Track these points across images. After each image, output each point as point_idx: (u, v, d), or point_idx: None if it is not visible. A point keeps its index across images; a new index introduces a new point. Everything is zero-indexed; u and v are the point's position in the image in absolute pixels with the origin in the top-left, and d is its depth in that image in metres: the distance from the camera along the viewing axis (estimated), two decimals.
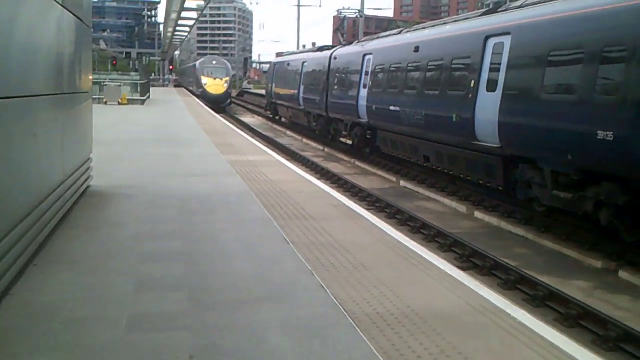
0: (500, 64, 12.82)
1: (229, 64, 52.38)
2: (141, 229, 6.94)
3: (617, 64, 9.76)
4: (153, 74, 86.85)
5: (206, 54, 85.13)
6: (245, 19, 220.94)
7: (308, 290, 4.95)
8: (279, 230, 6.94)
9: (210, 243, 6.41)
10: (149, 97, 43.27)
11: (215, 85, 46.50)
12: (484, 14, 15.55)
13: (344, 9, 32.13)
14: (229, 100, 48.01)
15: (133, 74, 46.04)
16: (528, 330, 4.23)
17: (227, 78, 47.99)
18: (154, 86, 64.72)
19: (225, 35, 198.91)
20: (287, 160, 13.38)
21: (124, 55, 55.63)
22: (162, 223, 7.25)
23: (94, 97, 14.93)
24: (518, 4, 13.99)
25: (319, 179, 13.87)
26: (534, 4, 12.90)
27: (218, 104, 43.38)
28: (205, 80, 46.73)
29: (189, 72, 64.51)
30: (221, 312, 4.48)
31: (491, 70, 13.12)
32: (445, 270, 5.62)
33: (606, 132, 9.56)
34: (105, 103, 34.12)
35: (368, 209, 10.83)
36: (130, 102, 36.18)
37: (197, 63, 52.06)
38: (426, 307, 4.60)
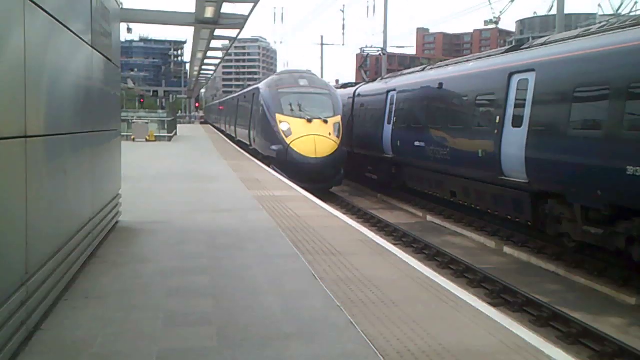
0: (525, 100, 12.79)
1: (332, 86, 26.00)
2: (168, 264, 6.95)
3: None
4: (179, 112, 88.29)
5: (231, 92, 70.83)
6: (269, 57, 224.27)
7: (337, 327, 4.89)
8: (306, 265, 6.91)
9: (237, 278, 6.39)
10: (175, 133, 43.81)
11: (313, 138, 20.67)
12: (507, 51, 15.60)
13: (367, 46, 32.41)
14: (341, 171, 21.83)
15: (160, 111, 46.77)
16: None
17: (337, 119, 21.78)
18: (180, 123, 65.74)
19: (249, 73, 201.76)
20: (313, 195, 13.37)
21: (151, 94, 56.69)
22: (189, 258, 7.26)
23: (122, 134, 15.22)
24: (541, 41, 14.02)
25: (345, 213, 13.84)
26: (557, 41, 12.92)
27: (320, 179, 20.34)
28: (287, 125, 21.31)
29: (237, 108, 35.53)
30: (250, 349, 4.44)
31: (516, 106, 13.09)
32: (476, 306, 5.52)
33: (635, 167, 9.45)
34: (133, 140, 34.65)
35: (395, 244, 10.76)
36: (158, 138, 36.72)
37: (262, 86, 24.83)
38: (458, 345, 4.51)
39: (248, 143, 28.35)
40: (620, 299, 10.21)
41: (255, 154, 25.67)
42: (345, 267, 6.88)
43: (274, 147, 21.23)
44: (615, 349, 7.80)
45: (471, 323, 5.06)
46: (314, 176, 19.74)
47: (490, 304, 5.75)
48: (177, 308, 5.35)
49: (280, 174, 18.66)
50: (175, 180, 15.66)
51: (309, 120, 20.98)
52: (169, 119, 41.63)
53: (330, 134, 20.71)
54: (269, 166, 20.97)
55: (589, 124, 10.89)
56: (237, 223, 9.58)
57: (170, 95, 50.32)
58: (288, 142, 20.56)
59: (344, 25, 72.17)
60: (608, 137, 10.25)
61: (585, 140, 10.87)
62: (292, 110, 21.56)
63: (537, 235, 13.53)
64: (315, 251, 7.64)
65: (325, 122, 21.03)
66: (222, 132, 48.67)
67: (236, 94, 41.82)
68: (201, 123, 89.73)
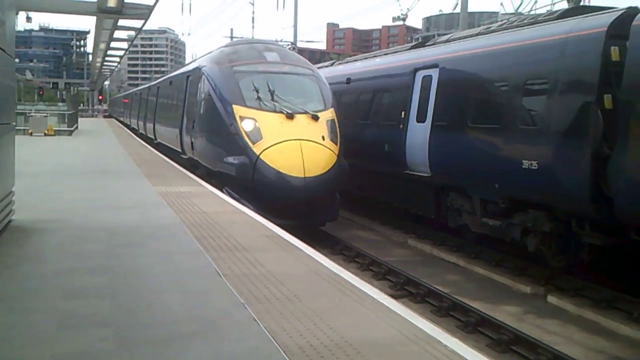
0: (429, 96, 13.16)
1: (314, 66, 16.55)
2: (65, 264, 6.65)
3: (539, 95, 10.17)
4: (81, 105, 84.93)
5: (137, 84, 65.52)
6: (178, 49, 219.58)
7: (240, 324, 4.84)
8: (210, 262, 6.80)
9: (138, 277, 6.20)
10: (77, 127, 42.12)
11: (299, 145, 12.88)
12: (412, 47, 16.00)
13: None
14: (337, 198, 14.06)
15: (60, 104, 44.86)
16: (460, 358, 4.25)
17: (331, 113, 14.13)
18: (82, 117, 63.25)
19: (157, 65, 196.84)
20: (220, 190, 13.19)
21: (51, 86, 54.09)
22: (87, 258, 6.97)
23: (18, 128, 14.44)
24: (444, 38, 14.47)
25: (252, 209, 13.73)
26: (459, 38, 13.37)
27: (308, 212, 12.95)
28: (252, 123, 13.35)
29: (156, 99, 27.56)
30: (149, 350, 4.31)
31: (420, 101, 13.44)
32: (378, 299, 5.61)
33: (530, 161, 9.91)
34: (31, 134, 33.04)
35: (302, 239, 10.79)
36: (58, 133, 35.17)
37: (207, 63, 16.41)
38: (359, 338, 4.57)
39: (179, 150, 19.41)
40: (517, 288, 10.71)
41: (192, 166, 17.36)
42: (251, 263, 6.83)
43: (230, 160, 13.35)
44: (511, 337, 8.17)
45: (373, 315, 5.14)
46: (299, 208, 12.50)
47: (393, 296, 5.87)
48: (73, 310, 5.13)
49: (240, 202, 11.92)
50: (75, 177, 15.03)
51: (289, 116, 13.21)
52: (70, 112, 39.98)
53: (324, 137, 13.15)
54: (221, 189, 13.41)
55: (488, 119, 11.32)
56: (140, 220, 9.31)
57: (72, 88, 48.18)
58: (256, 152, 12.76)
59: (253, 19, 71.92)
60: (505, 132, 10.70)
61: (484, 135, 11.30)
62: (258, 99, 13.63)
63: (439, 227, 13.96)
64: (221, 248, 7.54)
65: (315, 118, 13.39)
66: (134, 129, 40.10)
67: (155, 81, 33.57)
68: (105, 117, 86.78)
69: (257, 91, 13.82)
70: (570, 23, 9.94)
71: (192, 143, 16.72)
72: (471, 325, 8.80)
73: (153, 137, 27.96)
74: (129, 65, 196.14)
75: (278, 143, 12.85)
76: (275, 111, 13.47)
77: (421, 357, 4.26)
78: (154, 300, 5.45)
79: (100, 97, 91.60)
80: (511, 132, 10.53)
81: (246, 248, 7.56)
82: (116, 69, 69.59)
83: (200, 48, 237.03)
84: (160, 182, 13.88)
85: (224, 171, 13.81)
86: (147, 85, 37.56)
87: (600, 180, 8.87)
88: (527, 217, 10.49)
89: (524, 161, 10.02)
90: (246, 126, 13.26)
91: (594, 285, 10.04)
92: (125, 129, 46.93)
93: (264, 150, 12.80)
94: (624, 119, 8.57)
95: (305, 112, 13.53)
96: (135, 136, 35.87)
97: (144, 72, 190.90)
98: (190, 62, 22.80)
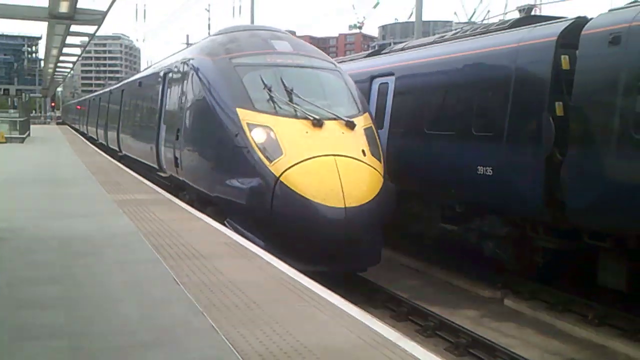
0: (386, 103, 13.29)
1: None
2: (18, 274, 6.48)
3: (492, 103, 10.37)
4: (34, 111, 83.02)
5: (91, 91, 63.66)
6: (133, 55, 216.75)
7: (198, 332, 4.78)
8: (168, 270, 6.70)
9: (92, 287, 6.08)
10: (29, 134, 41.15)
11: (333, 162, 9.45)
12: (369, 55, 16.14)
13: None
14: (380, 234, 10.34)
15: (11, 111, 43.75)
16: None
17: (367, 119, 10.84)
18: (34, 124, 61.84)
19: (111, 71, 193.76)
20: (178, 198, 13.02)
21: (2, 92, 52.74)
22: (40, 268, 6.80)
23: None
24: (400, 46, 14.66)
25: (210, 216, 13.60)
26: (414, 46, 13.58)
27: (347, 255, 9.46)
28: (265, 133, 9.89)
29: (121, 104, 23.81)
30: None
31: (378, 108, 13.56)
32: (337, 305, 5.62)
33: (485, 167, 10.09)
34: None
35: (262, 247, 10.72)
36: (9, 140, 34.31)
37: (198, 54, 12.65)
38: (318, 343, 4.56)
39: (154, 165, 15.92)
40: (474, 292, 10.86)
41: (177, 187, 14.04)
42: (209, 271, 6.76)
43: (237, 184, 10.07)
44: (469, 340, 8.29)
45: (332, 321, 5.14)
46: (335, 249, 9.32)
47: (352, 302, 5.89)
48: (25, 322, 4.99)
49: (251, 240, 8.91)
50: (27, 185, 14.67)
51: (316, 123, 10.06)
52: (22, 119, 39.00)
53: (364, 151, 10.04)
54: (221, 221, 10.09)
55: (443, 126, 11.48)
56: (95, 229, 9.12)
57: (23, 94, 47.03)
58: (275, 173, 9.48)
59: (209, 25, 71.08)
60: (460, 139, 10.87)
61: (440, 142, 11.46)
62: (271, 101, 10.42)
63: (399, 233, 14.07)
64: (178, 255, 7.44)
65: (350, 126, 10.28)
66: (93, 139, 36.35)
67: (119, 83, 29.51)
68: (58, 123, 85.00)
69: (269, 90, 10.35)
70: (521, 32, 10.18)
71: (176, 158, 12.87)
72: (430, 329, 8.89)
73: (117, 149, 24.35)
74: (82, 71, 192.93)
75: (305, 160, 9.40)
76: (296, 116, 10.07)
77: None
78: (110, 309, 5.35)
79: (52, 104, 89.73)
80: (466, 138, 10.71)
81: (204, 256, 7.48)
82: (69, 75, 68.25)
83: (156, 54, 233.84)
84: (116, 190, 13.64)
85: (227, 197, 10.32)
86: (108, 89, 32.95)
87: (553, 185, 9.08)
88: (484, 222, 10.67)
89: (479, 167, 10.19)
90: (258, 137, 9.80)
91: (549, 288, 10.26)
92: (80, 136, 46.03)
93: (286, 170, 9.32)
94: (574, 125, 8.81)
95: (337, 118, 10.23)
96: (89, 143, 35.19)
97: (97, 78, 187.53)
98: (166, 58, 17.89)
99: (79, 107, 54.69)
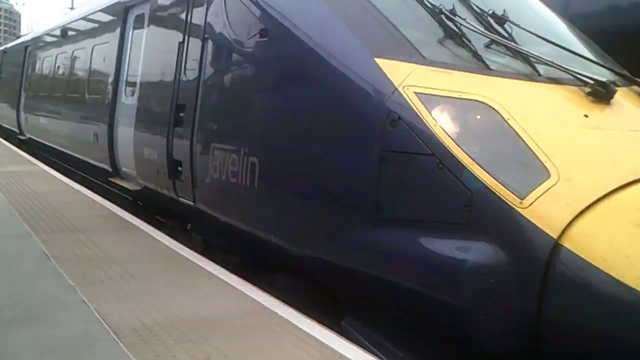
0: None
1: None
2: None
3: None
4: None
5: None
6: (13, 20, 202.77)
7: (68, 308, 4.58)
8: (39, 245, 6.37)
9: None
10: None
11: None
12: None
13: None
14: None
15: None
16: (295, 328, 4.32)
17: None
18: None
19: None
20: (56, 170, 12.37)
21: None
22: None
23: None
24: None
25: (91, 188, 13.05)
26: None
27: None
28: (502, 127, 3.83)
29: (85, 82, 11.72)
30: None
31: None
32: (217, 274, 5.58)
33: None
34: None
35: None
36: None
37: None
38: (196, 315, 4.51)
39: (106, 166, 10.42)
40: None
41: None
42: (84, 244, 6.49)
43: (423, 249, 3.98)
44: None
45: (212, 292, 5.09)
46: None
47: (232, 271, 5.84)
48: None
49: None
50: None
51: (601, 94, 4.42)
52: None
53: None
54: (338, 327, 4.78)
55: None
56: None
57: None
58: (545, 227, 3.47)
59: None
60: None
61: None
62: (462, 39, 4.78)
63: None
64: (52, 230, 7.09)
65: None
66: None
67: (21, 39, 22.21)
68: None
69: (451, 15, 4.91)
70: None
71: (177, 163, 7.26)
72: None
73: (16, 130, 18.37)
74: None
75: (617, 191, 3.66)
76: (538, 76, 4.69)
77: (257, 329, 4.28)
78: None
79: None
80: None
81: (80, 229, 7.17)
82: None
83: (39, 19, 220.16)
84: None
85: (372, 273, 4.53)
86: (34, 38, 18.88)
87: None
88: None
89: None
90: (460, 129, 4.05)
91: None
92: None
93: (576, 218, 3.51)
94: None
95: (633, 82, 5.22)
96: None
97: None
98: None
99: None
